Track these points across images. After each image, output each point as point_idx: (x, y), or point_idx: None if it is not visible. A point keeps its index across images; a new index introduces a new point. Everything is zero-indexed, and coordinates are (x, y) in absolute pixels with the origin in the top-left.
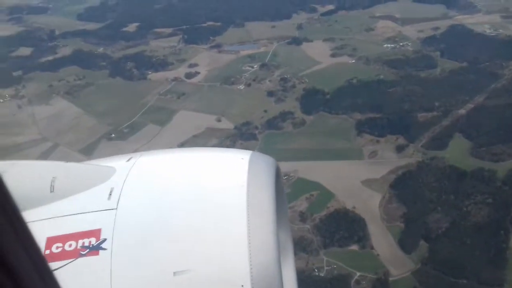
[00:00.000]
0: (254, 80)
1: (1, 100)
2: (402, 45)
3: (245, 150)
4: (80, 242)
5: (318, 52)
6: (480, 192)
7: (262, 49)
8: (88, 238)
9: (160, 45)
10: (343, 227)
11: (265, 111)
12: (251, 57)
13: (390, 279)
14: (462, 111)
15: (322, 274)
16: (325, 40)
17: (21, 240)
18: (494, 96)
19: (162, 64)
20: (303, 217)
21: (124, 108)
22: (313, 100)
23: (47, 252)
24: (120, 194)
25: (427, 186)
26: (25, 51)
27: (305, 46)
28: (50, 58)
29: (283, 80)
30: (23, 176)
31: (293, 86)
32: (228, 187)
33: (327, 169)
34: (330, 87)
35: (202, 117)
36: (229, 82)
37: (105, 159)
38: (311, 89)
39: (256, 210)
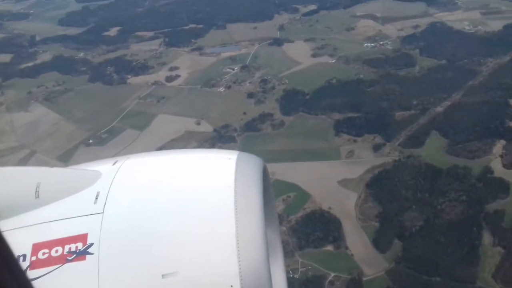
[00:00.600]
0: (234, 82)
1: None
2: (382, 44)
3: (232, 151)
4: (67, 247)
5: (299, 52)
6: (455, 189)
7: (243, 51)
8: (75, 243)
9: (141, 48)
10: (318, 228)
11: (245, 113)
12: (232, 59)
13: (364, 279)
14: (439, 109)
15: (296, 276)
16: (306, 40)
17: (1, 254)
18: (471, 93)
19: (142, 68)
20: (279, 219)
21: (103, 113)
22: (292, 101)
23: (33, 258)
24: (106, 198)
25: (403, 185)
26: (5, 58)
27: (286, 46)
28: (30, 64)
29: (263, 81)
30: (7, 182)
31: (273, 88)
32: (216, 187)
33: (304, 170)
34: (310, 88)
35: (181, 121)
36: (209, 85)
37: (90, 163)
38: (291, 90)
39: (244, 210)
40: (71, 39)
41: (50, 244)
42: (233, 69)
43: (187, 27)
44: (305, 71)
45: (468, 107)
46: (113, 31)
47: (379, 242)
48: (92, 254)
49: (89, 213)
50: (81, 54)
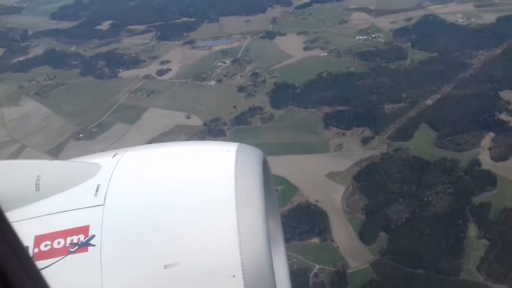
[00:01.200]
0: (225, 76)
1: None
2: (374, 37)
3: (231, 142)
4: (69, 239)
5: (291, 46)
6: (442, 182)
7: (235, 44)
8: (77, 235)
9: (133, 42)
10: (305, 221)
11: (235, 106)
12: (224, 53)
13: (348, 271)
14: (429, 102)
15: None
16: (298, 33)
17: (9, 243)
18: (461, 85)
19: (133, 62)
20: None
21: (94, 107)
22: (283, 94)
23: (36, 250)
24: (107, 190)
25: (390, 178)
26: None
27: (278, 40)
28: (22, 58)
29: (254, 75)
30: (7, 176)
31: (264, 81)
32: (216, 179)
33: (292, 163)
34: (300, 81)
35: (171, 115)
36: (200, 79)
37: (89, 156)
38: (281, 83)
39: (245, 201)
40: (63, 33)
41: (52, 236)
42: (225, 63)
43: (179, 21)
44: (296, 65)
45: (458, 99)
46: (105, 25)
47: (365, 235)
48: (94, 245)
49: (90, 205)
50: (73, 48)
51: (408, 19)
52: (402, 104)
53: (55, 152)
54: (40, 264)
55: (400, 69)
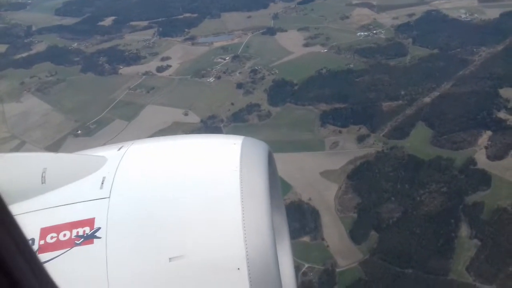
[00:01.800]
0: (224, 72)
1: None
2: (375, 33)
3: (237, 136)
4: (74, 231)
5: (291, 42)
6: (436, 181)
7: (236, 40)
8: (82, 227)
9: (135, 38)
10: (296, 219)
11: (232, 103)
12: (224, 49)
13: (337, 270)
14: (427, 99)
15: None
16: (299, 29)
17: (12, 236)
18: (460, 83)
19: (134, 58)
20: None
21: (93, 104)
22: (281, 91)
23: (42, 242)
24: (112, 183)
25: (384, 176)
26: (0, 48)
27: (279, 36)
28: (24, 54)
29: (253, 71)
30: (13, 168)
31: (263, 78)
32: (222, 172)
33: (287, 161)
34: (299, 78)
35: (169, 111)
36: (199, 75)
37: (95, 149)
38: (280, 80)
39: (250, 194)
40: (67, 29)
41: (58, 228)
42: (224, 59)
43: (181, 17)
44: (296, 61)
45: (456, 97)
46: (108, 21)
47: (356, 234)
48: (99, 238)
49: (96, 198)
50: (75, 44)
51: (411, 15)
52: (400, 102)
53: (53, 148)
54: (46, 256)
55: (400, 66)
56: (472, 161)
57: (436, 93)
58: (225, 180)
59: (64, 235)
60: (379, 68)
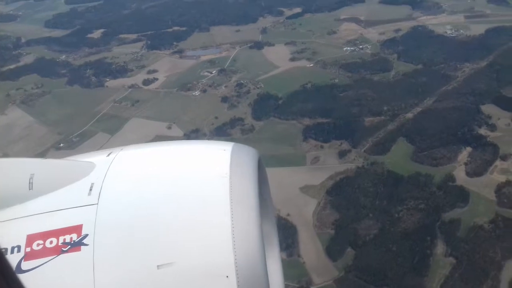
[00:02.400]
0: (210, 86)
1: None
2: (361, 48)
3: (227, 142)
4: (61, 238)
5: (278, 56)
6: (414, 197)
7: (224, 54)
8: (69, 234)
9: (123, 51)
10: None
11: (216, 117)
12: (211, 62)
13: (312, 287)
14: (409, 115)
15: None
16: (287, 44)
17: None
18: (443, 99)
19: (121, 71)
20: None
21: (77, 116)
22: (265, 105)
23: (28, 249)
24: (100, 189)
25: (363, 192)
26: None
27: (266, 50)
28: (12, 66)
29: (239, 85)
30: (0, 174)
31: (248, 92)
32: (211, 178)
33: (268, 176)
34: (284, 92)
35: (153, 125)
36: (185, 88)
37: (84, 155)
38: (265, 94)
39: (239, 201)
40: (55, 41)
41: (45, 235)
42: (211, 73)
43: (170, 30)
44: (281, 75)
45: (438, 113)
46: (97, 33)
47: (332, 250)
48: (87, 245)
49: (84, 204)
50: (63, 57)
51: (397, 30)
52: (382, 117)
53: None
54: (32, 263)
55: (384, 81)
56: (451, 178)
57: (418, 109)
58: (214, 186)
59: (51, 242)
60: (363, 83)
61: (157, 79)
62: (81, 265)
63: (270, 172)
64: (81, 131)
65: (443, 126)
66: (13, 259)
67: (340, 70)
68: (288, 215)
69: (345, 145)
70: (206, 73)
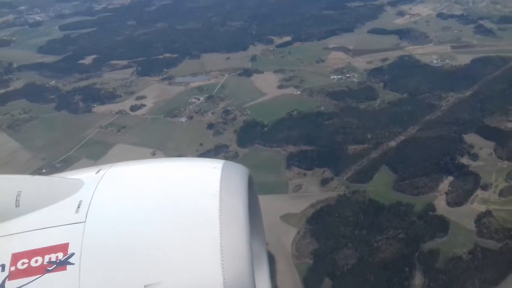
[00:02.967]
0: (197, 112)
1: None
2: (348, 77)
3: (217, 159)
4: (47, 257)
5: (266, 83)
6: (394, 227)
7: (213, 81)
8: (55, 253)
9: (113, 77)
10: None
11: (201, 144)
12: (200, 89)
13: None
14: (393, 143)
15: None
16: (275, 71)
17: None
18: (426, 128)
19: (109, 97)
20: None
21: (63, 142)
22: (250, 132)
23: (12, 268)
24: (88, 207)
25: (343, 221)
26: None
27: (255, 77)
28: (1, 91)
29: (226, 112)
30: None
31: (234, 119)
32: (201, 196)
33: None
34: (270, 119)
35: (137, 151)
36: (172, 115)
37: (73, 172)
38: (251, 121)
39: (229, 219)
40: (47, 66)
41: (30, 254)
42: (199, 99)
43: (161, 56)
44: (268, 102)
45: (421, 142)
46: (88, 59)
47: (309, 281)
48: (73, 264)
49: (71, 222)
50: (53, 82)
51: (384, 60)
52: (366, 145)
53: None
54: (15, 283)
55: (369, 109)
56: (431, 207)
57: (401, 137)
58: (204, 204)
59: (36, 261)
60: (349, 111)
61: (144, 105)
62: (67, 285)
63: None
64: (65, 156)
65: (425, 155)
66: None
67: (327, 98)
68: (267, 244)
69: (328, 173)
70: (194, 100)
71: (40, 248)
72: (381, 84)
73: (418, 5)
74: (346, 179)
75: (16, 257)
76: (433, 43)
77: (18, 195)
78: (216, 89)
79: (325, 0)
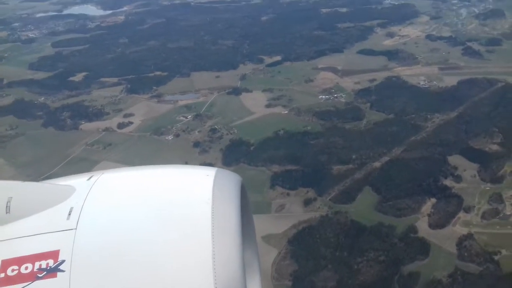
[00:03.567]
0: (184, 130)
1: None
2: (336, 97)
3: (210, 167)
4: (37, 264)
5: (255, 102)
6: (375, 249)
7: (201, 99)
8: (46, 260)
9: (102, 94)
10: None
11: (186, 162)
12: (188, 107)
13: None
14: (377, 164)
15: None
16: (264, 90)
17: None
18: (411, 148)
19: (97, 114)
20: None
21: (48, 159)
22: (236, 151)
23: (2, 275)
24: (80, 213)
25: (324, 242)
26: None
27: (243, 96)
28: None
29: (213, 130)
30: None
31: (221, 137)
32: (193, 204)
33: None
34: (256, 138)
35: None
36: (159, 133)
37: (64, 178)
38: (237, 140)
39: (221, 228)
40: (37, 83)
41: (20, 261)
42: (186, 117)
43: (151, 74)
44: (256, 121)
45: (405, 163)
46: (79, 76)
47: None
48: (63, 271)
49: (62, 229)
50: (42, 99)
51: (372, 80)
52: (351, 166)
53: None
54: None
55: (355, 129)
56: (413, 229)
57: (386, 158)
58: (196, 213)
59: (26, 267)
60: (335, 131)
61: (132, 122)
62: None
63: None
64: (49, 173)
65: (409, 176)
66: None
67: (314, 117)
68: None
69: (312, 193)
70: (181, 118)
71: (30, 255)
72: (368, 104)
73: (408, 27)
74: (330, 199)
75: (5, 264)
76: (421, 65)
77: (9, 201)
78: (204, 108)
79: (316, 20)
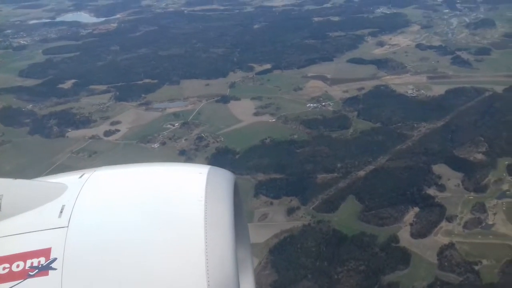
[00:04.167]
0: (170, 138)
1: None
2: (324, 105)
3: (203, 165)
4: (29, 262)
5: (243, 110)
6: (356, 258)
7: (190, 107)
8: (37, 257)
9: (90, 102)
10: None
11: None
12: (176, 115)
13: None
14: (361, 173)
15: None
16: (252, 98)
17: None
18: (396, 157)
19: (84, 122)
20: None
21: (32, 167)
22: (222, 159)
23: None
24: (71, 211)
25: (305, 252)
26: None
27: (231, 104)
28: None
29: (199, 139)
30: None
31: (207, 145)
32: (186, 202)
33: None
34: (242, 146)
35: None
36: (145, 141)
37: (56, 176)
38: (223, 148)
39: (214, 225)
40: (26, 90)
41: (11, 259)
42: (174, 125)
43: (141, 82)
44: (243, 129)
45: (390, 172)
46: (68, 84)
47: None
48: (55, 269)
49: (53, 227)
50: (30, 106)
51: (360, 89)
52: (335, 174)
53: None
54: None
55: (341, 138)
56: (394, 239)
57: (371, 167)
58: (189, 210)
59: (17, 266)
60: (321, 139)
61: (119, 130)
62: None
63: None
64: None
65: (393, 185)
66: None
67: (301, 126)
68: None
69: (295, 202)
70: (169, 126)
71: (21, 253)
72: (355, 113)
73: (398, 36)
74: (313, 208)
75: None
76: (410, 73)
77: (0, 198)
78: (192, 116)
79: (308, 29)
